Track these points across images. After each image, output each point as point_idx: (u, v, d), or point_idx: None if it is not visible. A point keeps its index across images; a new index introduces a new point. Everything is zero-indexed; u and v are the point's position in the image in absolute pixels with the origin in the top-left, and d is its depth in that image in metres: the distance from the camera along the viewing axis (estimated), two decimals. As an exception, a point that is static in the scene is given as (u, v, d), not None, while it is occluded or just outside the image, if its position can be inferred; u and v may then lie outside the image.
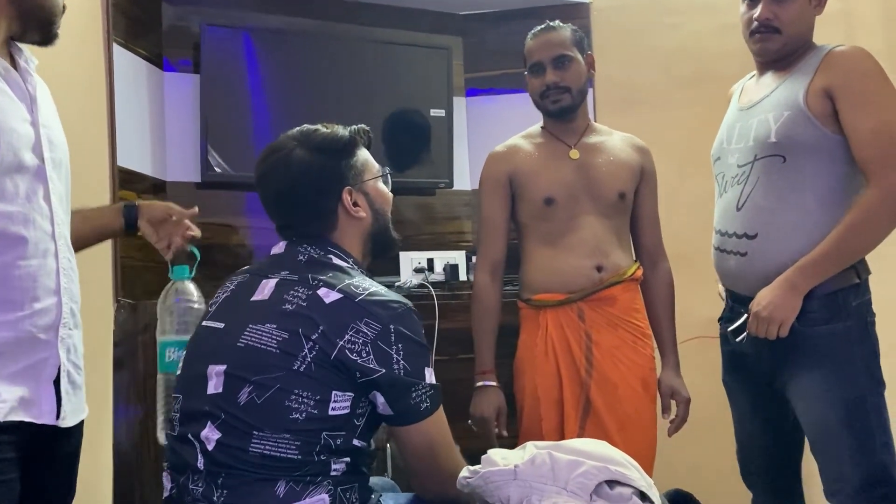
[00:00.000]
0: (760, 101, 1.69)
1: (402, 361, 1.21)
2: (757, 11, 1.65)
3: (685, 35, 2.66)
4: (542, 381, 1.87)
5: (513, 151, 1.96)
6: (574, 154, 1.93)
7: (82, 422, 1.34)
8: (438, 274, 2.43)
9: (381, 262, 2.35)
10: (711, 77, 2.54)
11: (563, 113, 1.92)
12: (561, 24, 1.94)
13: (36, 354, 1.22)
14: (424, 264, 2.44)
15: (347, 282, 1.25)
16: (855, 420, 1.54)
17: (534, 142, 1.98)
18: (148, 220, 1.59)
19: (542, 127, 2.00)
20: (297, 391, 1.18)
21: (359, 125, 1.41)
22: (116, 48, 2.02)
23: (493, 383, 1.91)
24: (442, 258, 2.46)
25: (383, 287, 1.28)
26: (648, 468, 1.84)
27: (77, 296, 1.33)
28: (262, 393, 1.18)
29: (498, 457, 1.19)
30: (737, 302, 1.71)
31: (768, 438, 1.76)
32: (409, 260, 2.43)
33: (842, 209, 1.57)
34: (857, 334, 1.58)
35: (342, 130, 1.39)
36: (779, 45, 1.65)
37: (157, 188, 2.19)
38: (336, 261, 1.33)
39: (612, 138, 1.99)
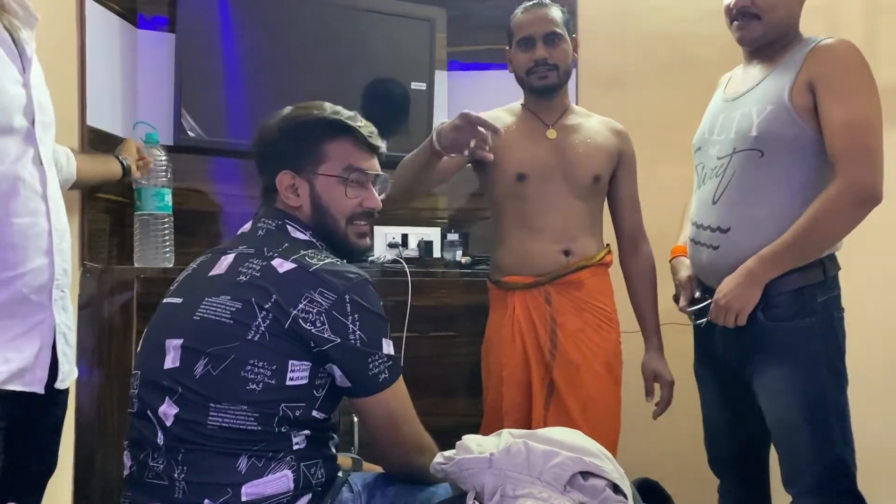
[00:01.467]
0: (746, 93, 1.68)
1: (358, 332, 1.19)
2: None
3: (669, 20, 2.65)
4: (507, 362, 1.89)
5: (493, 120, 1.94)
6: (551, 133, 1.92)
7: (68, 389, 1.33)
8: (412, 250, 2.41)
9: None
10: (694, 62, 2.54)
11: (548, 91, 1.91)
12: (551, 1, 1.92)
13: (32, 317, 1.21)
14: (398, 240, 2.42)
15: (303, 252, 1.24)
16: (815, 415, 1.56)
17: (513, 117, 1.97)
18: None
19: (521, 104, 1.99)
20: (252, 361, 1.16)
21: (348, 119, 1.34)
22: (90, 3, 1.94)
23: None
24: (416, 234, 2.44)
25: (339, 259, 1.26)
26: (612, 450, 1.86)
27: (69, 256, 1.32)
28: (217, 364, 1.16)
29: (473, 444, 1.19)
30: (706, 293, 1.72)
31: (736, 428, 1.78)
32: (384, 235, 2.40)
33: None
34: (822, 331, 1.59)
35: (321, 112, 1.34)
36: (759, 32, 1.64)
37: (127, 150, 2.12)
38: (294, 233, 1.31)
39: (591, 121, 1.99)
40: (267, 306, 1.17)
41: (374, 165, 1.38)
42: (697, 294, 1.72)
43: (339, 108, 1.37)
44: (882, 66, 2.53)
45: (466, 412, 2.21)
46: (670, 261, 1.85)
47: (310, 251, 1.25)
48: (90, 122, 1.94)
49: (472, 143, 1.67)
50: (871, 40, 2.47)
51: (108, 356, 1.92)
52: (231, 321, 1.17)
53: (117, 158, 1.90)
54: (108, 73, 2.06)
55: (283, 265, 1.21)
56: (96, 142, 1.98)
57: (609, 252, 1.98)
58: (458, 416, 2.23)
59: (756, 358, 1.63)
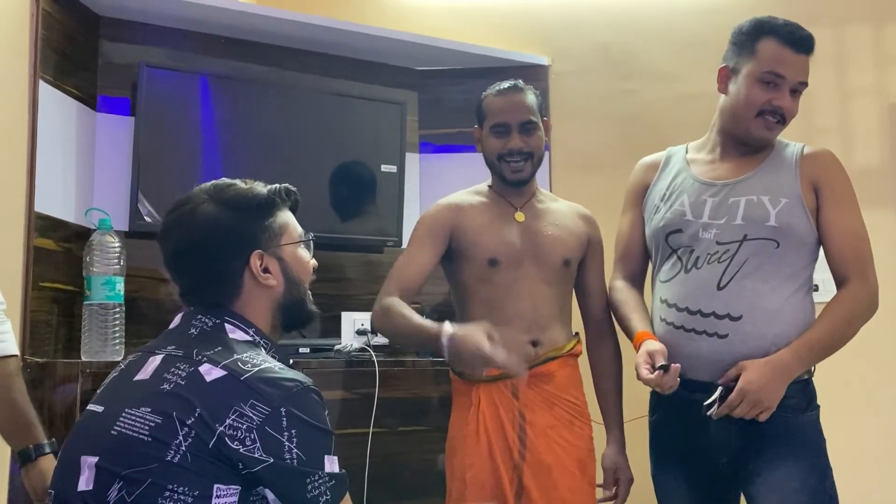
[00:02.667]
0: (741, 180, 1.65)
1: (295, 450, 1.06)
2: (781, 100, 1.61)
3: (642, 103, 2.65)
4: (471, 463, 1.75)
5: (460, 206, 1.88)
6: (520, 216, 1.86)
7: None
8: (383, 337, 2.30)
9: (321, 322, 2.25)
10: (666, 144, 2.50)
11: (521, 184, 1.86)
12: (525, 85, 1.88)
13: None
14: (368, 326, 2.31)
15: (236, 357, 1.12)
16: None
17: (480, 199, 1.90)
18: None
19: (489, 186, 1.93)
20: (171, 486, 1.02)
21: (283, 184, 1.29)
22: (43, 86, 1.89)
23: (447, 327, 1.59)
24: (387, 320, 2.33)
25: (280, 364, 1.14)
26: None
27: None
28: (133, 489, 1.03)
29: None
30: (689, 390, 1.57)
31: None
32: (352, 321, 2.29)
33: (809, 300, 1.63)
34: (819, 424, 1.60)
35: (261, 187, 1.26)
36: (776, 134, 1.67)
37: (80, 236, 2.03)
38: (231, 332, 1.19)
39: (558, 205, 1.94)
40: (189, 422, 1.05)
41: None
42: (661, 363, 1.54)
43: (248, 180, 1.30)
44: (857, 148, 2.54)
45: (438, 515, 2.06)
46: (639, 345, 1.65)
47: (246, 354, 1.14)
48: (38, 208, 1.85)
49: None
50: (844, 124, 2.47)
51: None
52: (149, 439, 1.05)
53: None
54: (61, 157, 1.99)
55: (211, 372, 1.09)
56: (45, 229, 1.89)
57: (579, 342, 1.89)
58: (429, 518, 2.08)
59: (762, 453, 1.55)
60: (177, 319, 1.24)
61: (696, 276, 1.62)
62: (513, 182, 1.85)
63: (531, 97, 1.86)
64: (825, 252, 1.63)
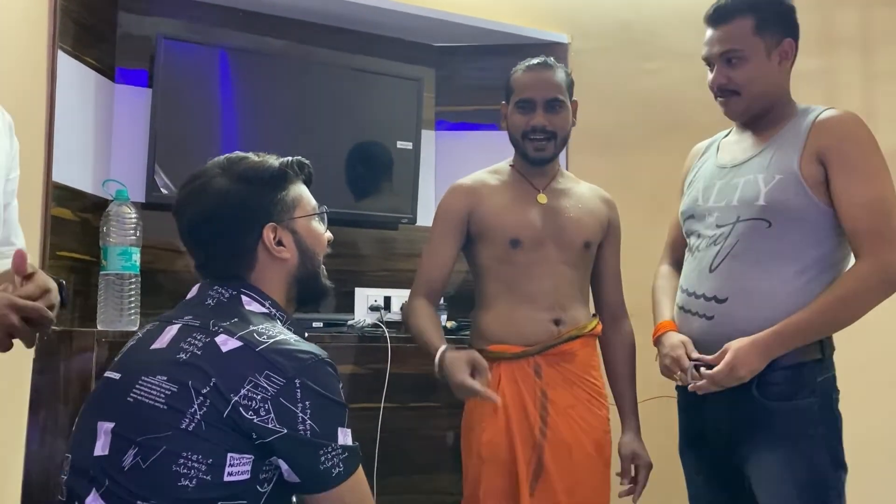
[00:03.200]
0: (747, 160, 1.62)
1: (308, 421, 1.07)
2: (712, 76, 1.63)
3: (663, 82, 2.62)
4: (488, 441, 1.75)
5: (478, 187, 1.87)
6: (542, 198, 1.84)
7: None
8: (395, 313, 2.31)
9: (335, 297, 2.26)
10: (687, 126, 2.48)
11: (543, 163, 1.85)
12: (556, 63, 1.85)
13: None
14: (381, 302, 2.32)
15: (252, 328, 1.12)
16: (814, 502, 1.49)
17: (501, 179, 1.89)
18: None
19: (510, 165, 1.91)
20: (185, 454, 1.04)
21: (295, 157, 1.29)
22: (62, 56, 1.89)
23: (446, 346, 1.66)
24: (400, 296, 2.33)
25: (295, 337, 1.15)
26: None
27: None
28: (147, 456, 1.04)
29: None
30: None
31: None
32: (365, 297, 2.30)
33: (820, 282, 1.52)
34: (821, 413, 1.52)
35: (273, 160, 1.27)
36: (742, 106, 1.62)
37: (97, 206, 2.04)
38: (248, 304, 1.20)
39: (580, 187, 1.92)
40: (204, 391, 1.06)
41: None
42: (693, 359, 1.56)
43: (259, 153, 1.30)
44: (880, 132, 2.49)
45: (447, 490, 2.07)
46: (658, 336, 1.69)
47: (262, 326, 1.14)
48: (56, 178, 1.87)
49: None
50: (869, 107, 2.42)
51: (63, 425, 1.80)
52: (165, 407, 1.06)
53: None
54: (79, 128, 2.00)
55: (227, 343, 1.10)
56: (63, 199, 1.90)
57: (599, 322, 1.88)
58: (438, 494, 2.09)
59: (750, 439, 1.54)
60: (194, 290, 1.25)
61: (696, 259, 1.64)
62: (535, 160, 1.83)
63: (560, 75, 1.83)
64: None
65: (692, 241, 1.68)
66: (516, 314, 1.80)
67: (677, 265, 1.79)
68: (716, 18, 1.61)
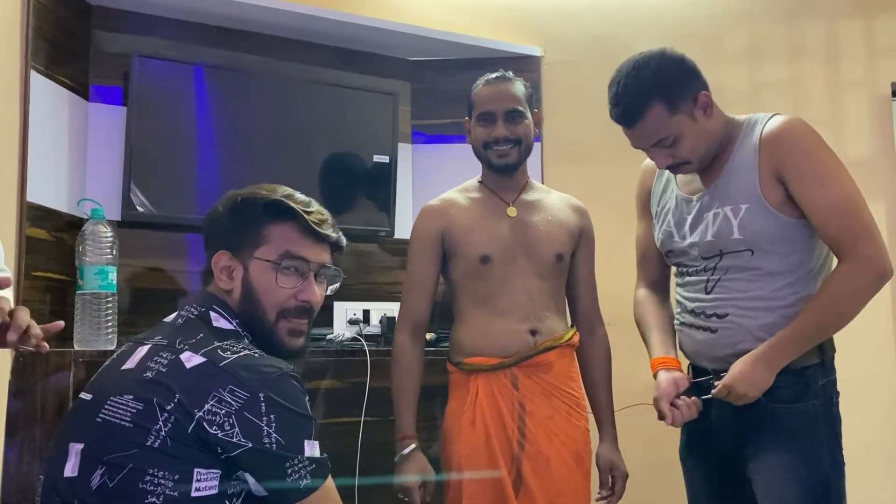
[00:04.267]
0: (709, 190, 1.62)
1: (273, 434, 1.08)
2: (658, 161, 1.62)
3: (635, 93, 2.64)
4: (468, 453, 1.76)
5: (447, 206, 1.88)
6: (512, 211, 1.86)
7: None
8: (374, 326, 2.32)
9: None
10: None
11: (508, 169, 1.86)
12: (514, 76, 1.89)
13: None
14: (360, 316, 2.32)
15: (216, 344, 1.13)
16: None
17: (470, 196, 1.90)
18: None
19: (479, 181, 1.93)
20: (152, 471, 1.04)
21: (315, 210, 1.27)
22: (35, 75, 1.88)
23: (414, 446, 1.80)
24: (379, 310, 2.34)
25: (260, 352, 1.16)
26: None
27: None
28: (114, 475, 1.05)
29: None
30: (694, 375, 1.67)
31: None
32: (344, 310, 2.30)
33: (810, 285, 1.55)
34: (823, 415, 1.55)
35: (269, 194, 1.26)
36: (695, 167, 1.61)
37: (73, 226, 2.03)
38: (216, 321, 1.21)
39: (551, 197, 1.93)
40: (169, 408, 1.07)
41: (320, 255, 1.27)
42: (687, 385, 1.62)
43: (292, 191, 1.29)
44: (848, 140, 2.55)
45: (430, 503, 2.07)
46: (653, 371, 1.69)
47: (226, 342, 1.15)
48: (31, 198, 1.85)
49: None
50: (835, 115, 2.47)
51: (41, 446, 1.78)
52: (130, 425, 1.07)
53: None
54: (53, 147, 1.99)
55: (191, 359, 1.11)
56: (38, 219, 1.89)
57: (576, 332, 1.90)
58: (420, 507, 2.09)
59: (754, 441, 1.56)
60: (173, 314, 1.27)
61: (689, 282, 1.66)
62: (499, 167, 1.85)
63: (518, 87, 1.86)
64: None
65: (680, 269, 1.70)
66: (492, 326, 1.81)
67: (653, 285, 1.80)
68: (627, 121, 1.57)
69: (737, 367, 1.53)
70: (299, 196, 1.28)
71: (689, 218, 1.64)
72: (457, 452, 1.78)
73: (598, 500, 1.83)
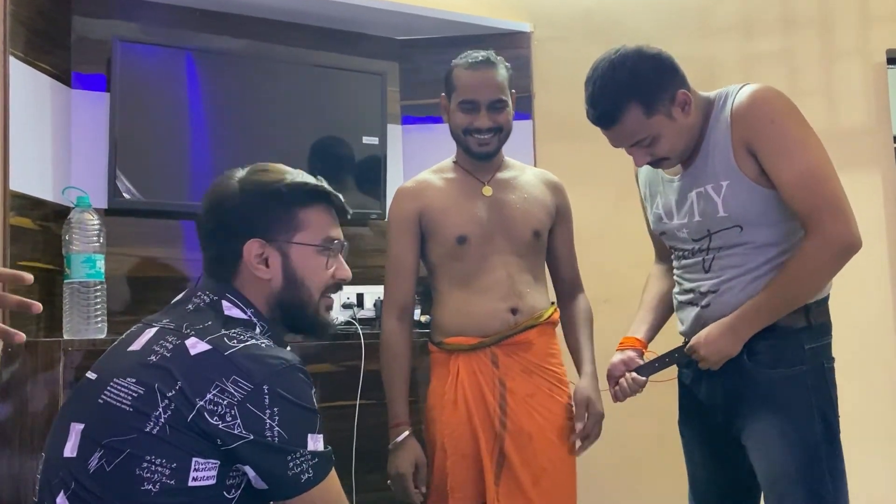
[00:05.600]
0: (690, 170, 1.60)
1: (276, 427, 1.06)
2: (638, 163, 1.61)
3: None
4: (450, 433, 1.75)
5: (422, 187, 1.86)
6: (487, 191, 1.85)
7: None
8: (368, 310, 2.30)
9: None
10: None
11: (488, 157, 1.84)
12: (497, 57, 1.84)
13: None
14: (353, 300, 2.31)
15: (223, 332, 1.11)
16: (808, 469, 1.49)
17: (445, 177, 1.88)
18: None
19: (454, 161, 1.91)
20: (149, 457, 1.03)
21: (320, 184, 1.26)
22: (14, 62, 1.85)
23: (408, 433, 1.79)
24: (372, 293, 2.33)
25: (268, 343, 1.13)
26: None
27: None
28: (112, 459, 1.03)
29: None
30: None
31: (725, 487, 1.69)
32: (337, 294, 2.28)
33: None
34: (813, 381, 1.53)
35: (293, 177, 1.23)
36: (675, 162, 1.60)
37: (59, 214, 2.00)
38: (228, 309, 1.18)
39: (526, 174, 1.91)
40: (170, 394, 1.05)
41: (341, 233, 1.30)
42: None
43: (300, 171, 1.28)
44: (843, 110, 2.52)
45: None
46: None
47: (234, 331, 1.12)
48: (14, 186, 1.83)
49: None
50: (828, 86, 2.44)
51: (30, 436, 1.77)
52: (130, 409, 1.05)
53: None
54: (36, 135, 1.96)
55: (196, 346, 1.09)
56: (23, 208, 1.87)
57: (556, 310, 1.89)
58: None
59: (744, 408, 1.56)
60: (183, 293, 1.24)
61: (687, 262, 1.65)
62: (479, 155, 1.83)
63: (502, 72, 1.82)
64: None
65: (675, 252, 1.69)
66: (472, 306, 1.80)
67: (665, 259, 1.80)
68: (604, 123, 1.55)
69: (704, 332, 1.55)
70: (310, 176, 1.29)
71: (674, 199, 1.63)
72: (440, 432, 1.78)
73: (574, 437, 1.80)
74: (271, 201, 1.21)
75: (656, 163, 1.60)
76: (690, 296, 1.63)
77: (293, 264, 1.21)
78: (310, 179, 1.25)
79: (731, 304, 1.55)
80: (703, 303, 1.60)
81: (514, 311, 1.79)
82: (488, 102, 1.79)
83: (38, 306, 1.10)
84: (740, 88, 1.55)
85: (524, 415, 1.75)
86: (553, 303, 1.90)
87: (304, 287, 1.22)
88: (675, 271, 1.71)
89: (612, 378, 1.65)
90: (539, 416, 1.77)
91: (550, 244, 1.90)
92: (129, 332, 1.21)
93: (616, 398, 1.64)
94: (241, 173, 1.25)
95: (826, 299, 1.58)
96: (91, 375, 1.16)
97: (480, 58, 1.82)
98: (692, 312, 1.62)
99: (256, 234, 1.20)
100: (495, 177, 1.87)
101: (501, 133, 1.83)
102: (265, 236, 1.20)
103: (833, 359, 1.57)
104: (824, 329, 1.57)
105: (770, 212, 1.52)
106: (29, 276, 1.09)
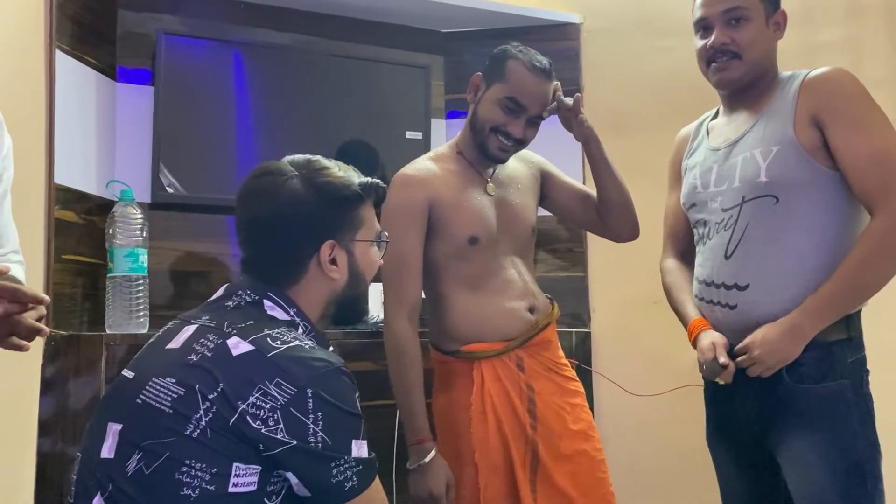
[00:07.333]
0: (741, 138, 1.54)
1: (320, 433, 1.02)
2: (712, 38, 1.54)
3: (678, 60, 2.51)
4: (480, 446, 1.64)
5: (430, 177, 1.73)
6: (490, 188, 1.78)
7: None
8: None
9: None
10: (703, 104, 2.36)
11: (499, 162, 1.78)
12: (549, 65, 1.72)
13: None
14: (395, 297, 2.26)
15: (266, 333, 1.07)
16: (852, 489, 1.41)
17: (447, 167, 1.76)
18: None
19: (458, 152, 1.79)
20: (189, 462, 0.99)
21: (374, 179, 1.24)
22: (60, 56, 1.85)
23: (435, 451, 1.64)
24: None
25: (311, 343, 1.09)
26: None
27: None
28: (151, 462, 1.00)
29: None
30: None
31: (761, 495, 1.61)
32: (379, 292, 2.23)
33: (839, 252, 1.43)
34: (853, 394, 1.45)
35: (355, 178, 1.22)
36: (740, 72, 1.54)
37: (102, 208, 2.01)
38: (270, 309, 1.14)
39: (514, 165, 1.85)
40: (211, 396, 1.01)
41: None
42: (722, 359, 1.50)
43: (350, 166, 1.27)
44: (864, 64, 2.39)
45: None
46: (693, 338, 1.59)
47: (277, 331, 1.09)
48: (59, 180, 1.83)
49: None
50: (853, 38, 2.31)
51: (73, 430, 1.77)
52: (170, 410, 1.02)
53: None
54: (81, 128, 1.97)
55: (238, 346, 1.05)
56: (67, 201, 1.87)
57: (557, 306, 1.84)
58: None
59: (782, 425, 1.48)
60: (220, 290, 1.21)
61: (709, 247, 1.57)
62: (494, 159, 1.75)
63: (551, 89, 1.73)
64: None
65: (700, 230, 1.62)
66: (490, 309, 1.70)
67: (682, 257, 1.73)
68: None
69: (759, 334, 1.44)
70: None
71: (716, 167, 1.58)
72: (468, 445, 1.65)
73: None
74: (346, 204, 1.21)
75: (726, 56, 1.53)
76: (714, 292, 1.53)
77: (356, 260, 1.23)
78: (371, 179, 1.26)
79: (764, 307, 1.46)
80: (731, 301, 1.50)
81: (531, 310, 1.73)
82: (532, 115, 1.70)
83: (46, 331, 1.12)
84: (815, 68, 1.52)
85: (552, 415, 1.69)
86: (551, 298, 1.84)
87: (363, 281, 1.25)
88: (696, 266, 1.62)
89: (722, 348, 1.50)
90: (566, 413, 1.71)
91: (560, 198, 1.87)
92: (165, 328, 1.18)
93: (725, 376, 1.49)
94: (299, 171, 1.19)
95: (860, 310, 1.50)
96: (128, 374, 1.13)
97: (546, 65, 1.70)
98: (718, 314, 1.53)
99: (328, 237, 1.19)
100: (495, 172, 1.81)
101: (521, 147, 1.76)
102: (335, 237, 1.20)
103: (868, 371, 1.50)
104: (862, 341, 1.50)
105: (813, 189, 1.45)
106: (47, 298, 1.10)
